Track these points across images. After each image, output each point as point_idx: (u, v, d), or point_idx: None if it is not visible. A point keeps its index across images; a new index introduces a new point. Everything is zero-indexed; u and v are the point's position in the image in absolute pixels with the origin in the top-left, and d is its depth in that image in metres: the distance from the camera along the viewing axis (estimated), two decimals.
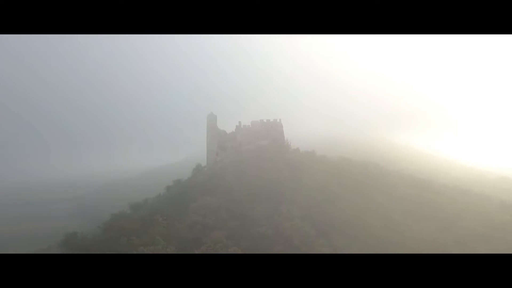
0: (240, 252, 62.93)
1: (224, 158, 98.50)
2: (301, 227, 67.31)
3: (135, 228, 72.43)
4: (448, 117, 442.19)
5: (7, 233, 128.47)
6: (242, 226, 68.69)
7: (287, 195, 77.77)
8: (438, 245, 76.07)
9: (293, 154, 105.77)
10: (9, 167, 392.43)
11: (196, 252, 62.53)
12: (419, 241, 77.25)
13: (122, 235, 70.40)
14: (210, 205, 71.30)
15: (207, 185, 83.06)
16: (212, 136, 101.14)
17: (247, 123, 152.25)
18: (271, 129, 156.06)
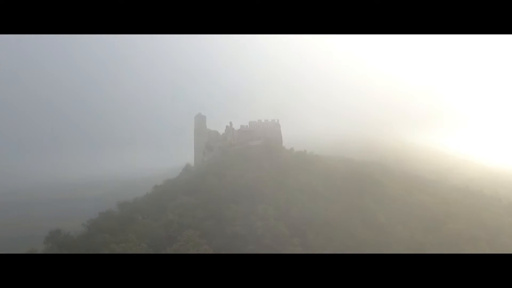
0: (211, 251, 63.91)
1: (211, 158, 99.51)
2: (275, 227, 67.54)
3: (114, 226, 74.31)
4: (461, 115, 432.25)
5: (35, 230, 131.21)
6: (217, 225, 69.46)
7: (267, 195, 78.06)
8: (417, 247, 74.87)
9: (284, 154, 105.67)
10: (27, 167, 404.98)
11: (168, 250, 63.87)
12: (399, 242, 76.18)
13: (100, 233, 72.43)
14: (187, 204, 72.39)
15: (189, 184, 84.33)
16: (199, 136, 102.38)
17: (246, 123, 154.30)
18: (268, 129, 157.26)
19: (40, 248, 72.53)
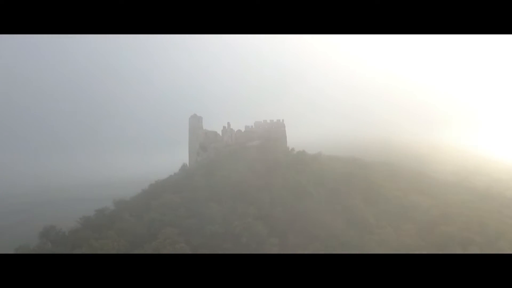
0: (187, 249, 65.52)
1: (205, 158, 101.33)
2: (252, 226, 68.25)
3: (103, 223, 77.43)
4: (472, 115, 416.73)
5: None
6: (198, 224, 70.93)
7: (251, 194, 78.79)
8: (403, 248, 73.36)
9: (278, 154, 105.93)
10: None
11: (146, 247, 65.98)
12: (384, 244, 74.90)
13: (88, 230, 75.82)
14: (171, 203, 74.32)
15: (177, 184, 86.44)
16: (194, 137, 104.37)
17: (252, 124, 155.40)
18: (273, 130, 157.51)
19: (34, 243, 76.77)
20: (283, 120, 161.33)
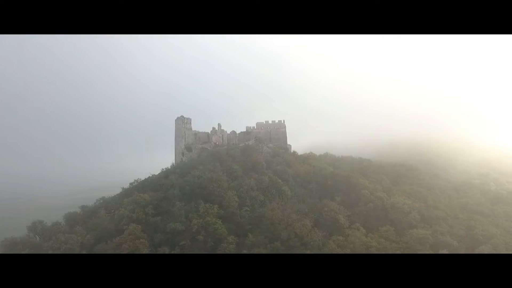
0: (146, 244, 69.17)
1: (189, 158, 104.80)
2: (210, 224, 70.57)
3: (81, 219, 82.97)
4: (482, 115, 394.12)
5: None
6: (162, 221, 74.33)
7: (219, 194, 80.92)
8: (366, 250, 72.52)
9: (259, 155, 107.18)
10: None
11: (109, 242, 70.36)
12: (349, 245, 74.30)
13: (68, 224, 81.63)
14: (141, 201, 78.16)
15: (153, 183, 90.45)
16: (179, 138, 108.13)
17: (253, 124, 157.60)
18: (274, 130, 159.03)
19: (20, 234, 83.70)
20: (284, 121, 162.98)
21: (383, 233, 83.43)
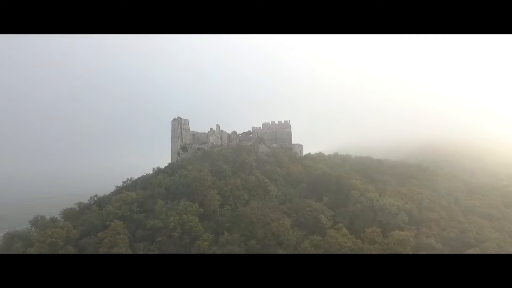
0: (125, 239, 73.00)
1: (184, 157, 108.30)
2: (186, 221, 73.35)
3: (75, 215, 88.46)
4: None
5: None
6: (145, 218, 78.06)
7: (202, 192, 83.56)
8: (340, 250, 72.44)
9: (262, 154, 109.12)
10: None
11: (93, 236, 74.88)
12: (322, 245, 74.40)
13: (63, 219, 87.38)
14: (128, 198, 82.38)
15: (144, 181, 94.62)
16: (175, 138, 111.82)
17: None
18: (279, 130, 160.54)
19: (22, 228, 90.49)
20: (289, 121, 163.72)
21: (369, 234, 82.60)
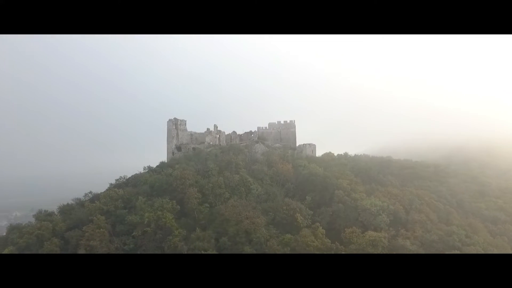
0: (105, 234, 78.15)
1: (175, 157, 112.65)
2: (160, 218, 77.23)
3: (69, 210, 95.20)
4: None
5: None
6: (126, 214, 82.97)
7: (183, 190, 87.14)
8: (306, 250, 72.87)
9: (256, 154, 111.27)
10: None
11: (77, 230, 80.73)
12: (287, 245, 75.14)
13: (56, 213, 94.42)
14: (114, 195, 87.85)
15: (134, 179, 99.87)
16: (170, 138, 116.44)
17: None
18: (284, 130, 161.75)
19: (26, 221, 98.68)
20: (294, 121, 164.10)
21: (348, 234, 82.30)
